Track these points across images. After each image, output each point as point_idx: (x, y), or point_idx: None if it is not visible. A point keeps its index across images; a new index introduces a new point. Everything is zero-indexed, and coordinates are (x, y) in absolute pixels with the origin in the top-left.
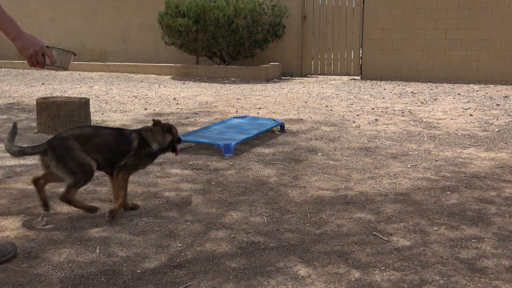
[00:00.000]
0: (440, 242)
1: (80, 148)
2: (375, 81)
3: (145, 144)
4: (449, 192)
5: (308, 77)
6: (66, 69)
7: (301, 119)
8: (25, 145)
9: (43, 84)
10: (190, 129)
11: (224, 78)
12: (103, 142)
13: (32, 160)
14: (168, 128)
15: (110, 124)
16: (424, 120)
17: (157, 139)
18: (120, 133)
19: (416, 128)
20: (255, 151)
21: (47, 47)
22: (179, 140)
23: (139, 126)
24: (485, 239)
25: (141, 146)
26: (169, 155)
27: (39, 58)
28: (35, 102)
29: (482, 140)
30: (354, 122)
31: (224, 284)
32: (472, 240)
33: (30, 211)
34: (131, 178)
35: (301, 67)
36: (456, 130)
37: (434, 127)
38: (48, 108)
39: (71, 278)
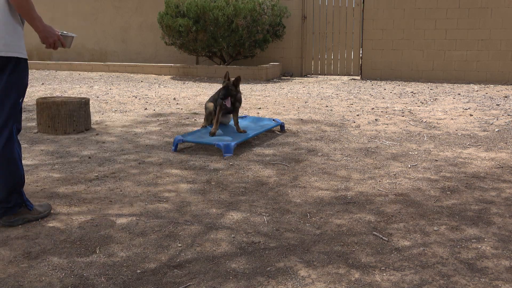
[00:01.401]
0: (440, 242)
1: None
2: (375, 81)
3: None
4: (449, 192)
5: (308, 77)
6: (69, 47)
7: (301, 119)
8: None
9: (43, 84)
10: (190, 129)
11: None
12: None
13: (32, 161)
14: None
15: (110, 124)
16: (424, 120)
17: None
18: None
19: (416, 128)
20: (255, 151)
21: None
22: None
23: (140, 126)
24: (485, 239)
25: None
26: (168, 155)
27: (57, 44)
28: (35, 102)
29: (482, 140)
30: (354, 122)
31: (224, 284)
32: (472, 240)
33: None
34: (132, 178)
35: (301, 67)
36: (456, 130)
37: (434, 127)
38: (48, 108)
39: (71, 278)
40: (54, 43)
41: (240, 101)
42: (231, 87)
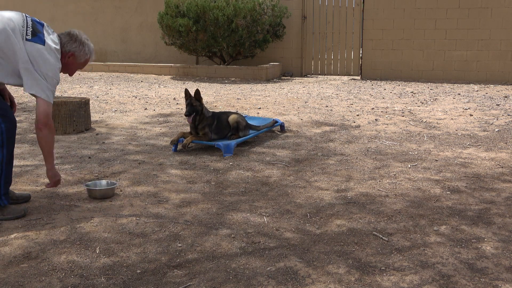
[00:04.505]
0: (440, 242)
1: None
2: (375, 81)
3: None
4: (449, 192)
5: (308, 77)
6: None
7: (301, 119)
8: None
9: None
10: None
11: (224, 78)
12: None
13: (32, 161)
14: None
15: (110, 124)
16: (424, 120)
17: None
18: None
19: (416, 128)
20: (255, 151)
21: (87, 185)
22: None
23: (140, 126)
24: (485, 239)
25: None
26: (168, 155)
27: (58, 184)
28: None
29: (482, 140)
30: (354, 122)
31: (224, 284)
32: (472, 240)
33: (30, 211)
34: (132, 178)
35: (301, 67)
36: (456, 130)
37: (434, 127)
38: None
39: (71, 278)
40: (56, 183)
41: (204, 120)
42: (195, 102)
